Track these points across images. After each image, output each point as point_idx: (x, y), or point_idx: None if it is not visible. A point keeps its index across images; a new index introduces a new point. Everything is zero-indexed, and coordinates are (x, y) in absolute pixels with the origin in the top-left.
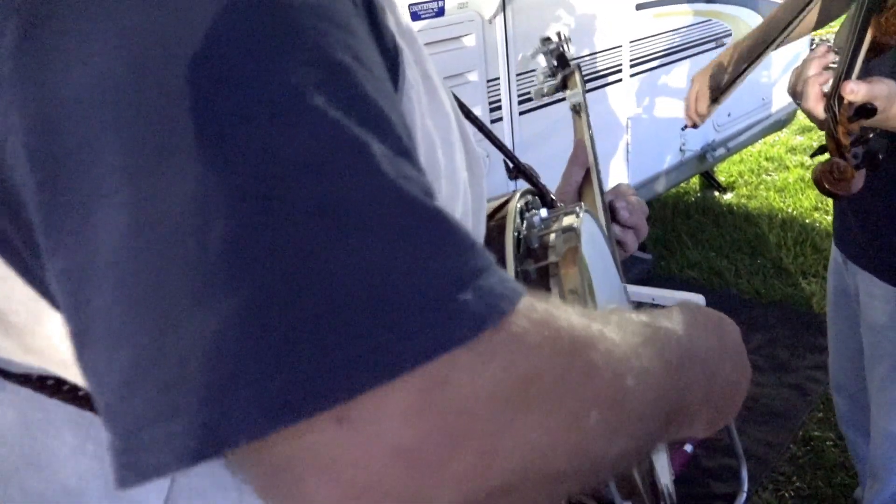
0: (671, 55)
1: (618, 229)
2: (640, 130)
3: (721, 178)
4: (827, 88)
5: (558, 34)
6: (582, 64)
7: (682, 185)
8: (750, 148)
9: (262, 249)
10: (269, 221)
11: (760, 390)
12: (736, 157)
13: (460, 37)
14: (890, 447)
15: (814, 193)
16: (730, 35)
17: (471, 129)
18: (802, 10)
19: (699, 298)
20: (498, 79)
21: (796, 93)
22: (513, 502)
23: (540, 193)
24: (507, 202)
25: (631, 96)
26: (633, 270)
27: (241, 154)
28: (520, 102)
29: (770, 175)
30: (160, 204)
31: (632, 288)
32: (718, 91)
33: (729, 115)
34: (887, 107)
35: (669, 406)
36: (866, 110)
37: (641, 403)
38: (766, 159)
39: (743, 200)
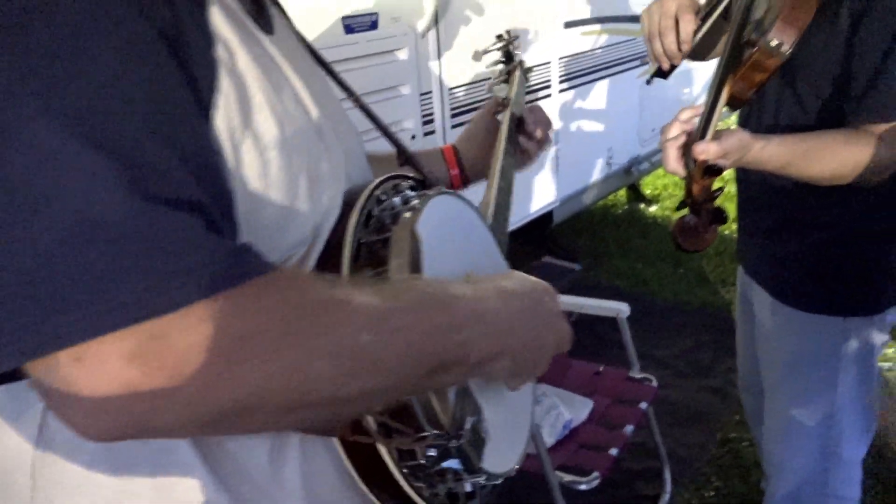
0: (598, 71)
1: (523, 139)
2: (568, 144)
3: (647, 192)
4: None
5: (508, 32)
6: None
7: (611, 197)
8: None
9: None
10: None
11: (683, 394)
12: (661, 171)
13: (393, 50)
14: (776, 448)
15: (733, 206)
16: None
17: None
18: None
19: (623, 307)
20: (430, 92)
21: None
22: (254, 422)
23: (422, 178)
24: (384, 181)
25: (560, 111)
26: (561, 280)
27: None
28: (452, 115)
29: None
30: None
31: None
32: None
33: (653, 130)
34: (746, 155)
35: (434, 357)
36: (713, 169)
37: (386, 354)
38: None
39: (667, 212)
